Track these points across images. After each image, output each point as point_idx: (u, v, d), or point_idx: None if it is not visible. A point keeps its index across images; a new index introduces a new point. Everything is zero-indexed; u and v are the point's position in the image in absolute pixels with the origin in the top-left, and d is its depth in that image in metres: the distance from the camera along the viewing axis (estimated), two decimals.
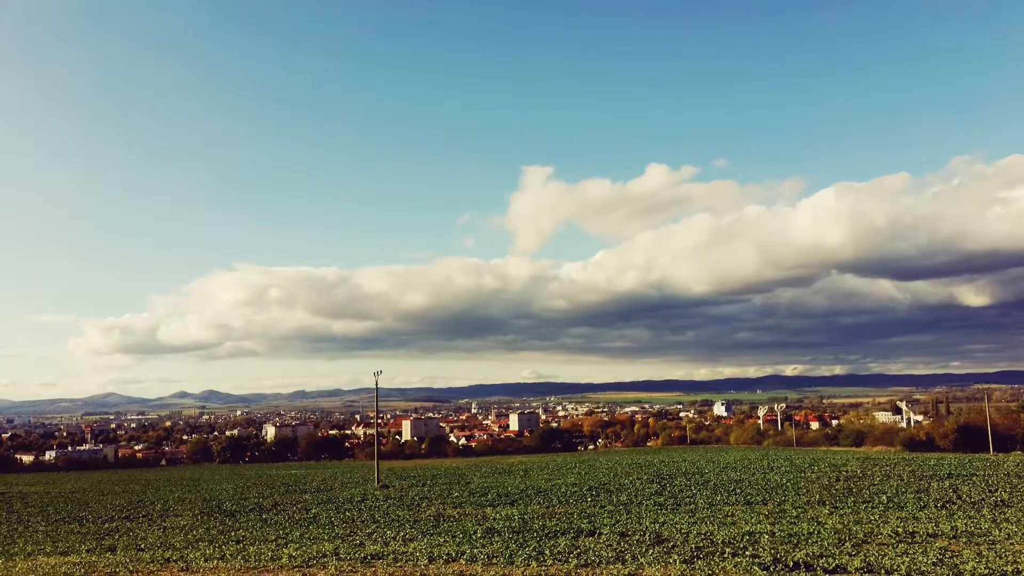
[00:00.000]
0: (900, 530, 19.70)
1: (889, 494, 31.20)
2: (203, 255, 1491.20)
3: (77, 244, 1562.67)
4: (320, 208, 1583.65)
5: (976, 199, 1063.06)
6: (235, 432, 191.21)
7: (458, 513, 30.07)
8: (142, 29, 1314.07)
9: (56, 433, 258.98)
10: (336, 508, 34.86)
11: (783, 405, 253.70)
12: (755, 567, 14.58)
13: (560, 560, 16.34)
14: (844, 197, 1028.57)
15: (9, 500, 49.79)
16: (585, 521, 24.50)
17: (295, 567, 16.17)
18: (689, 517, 25.43)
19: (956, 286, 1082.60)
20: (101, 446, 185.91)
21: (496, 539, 20.32)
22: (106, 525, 31.80)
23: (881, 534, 19.32)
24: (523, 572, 14.67)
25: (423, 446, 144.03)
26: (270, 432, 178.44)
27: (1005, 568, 14.21)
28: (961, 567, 14.33)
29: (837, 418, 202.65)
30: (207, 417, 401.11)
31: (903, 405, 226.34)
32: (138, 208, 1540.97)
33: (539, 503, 32.97)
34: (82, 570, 17.46)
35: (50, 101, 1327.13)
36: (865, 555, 15.92)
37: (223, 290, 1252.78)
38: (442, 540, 20.00)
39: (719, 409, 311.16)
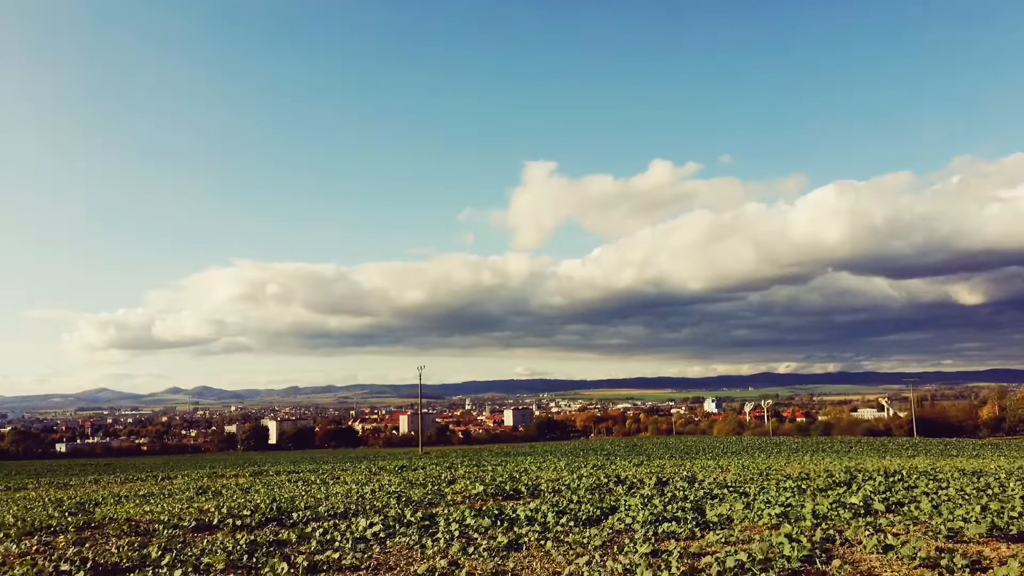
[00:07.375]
0: (751, 464, 31.29)
1: (782, 451, 43.51)
2: (200, 250, 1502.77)
3: (73, 239, 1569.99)
4: (320, 204, 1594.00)
5: (976, 197, 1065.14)
6: (234, 427, 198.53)
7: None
8: (141, 26, 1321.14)
9: (55, 427, 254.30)
10: (407, 464, 46.30)
11: (770, 402, 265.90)
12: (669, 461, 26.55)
13: (568, 462, 28.19)
14: (844, 195, 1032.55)
15: (104, 469, 59.12)
16: (580, 460, 36.37)
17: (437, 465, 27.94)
18: (646, 458, 37.30)
19: (951, 284, 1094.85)
20: (108, 439, 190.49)
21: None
22: (252, 468, 42.18)
23: (746, 467, 30.89)
24: (551, 462, 26.34)
25: (430, 435, 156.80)
26: (271, 427, 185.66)
27: (787, 484, 25.71)
28: (773, 481, 26.00)
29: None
30: (201, 413, 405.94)
31: (885, 402, 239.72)
32: (135, 203, 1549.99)
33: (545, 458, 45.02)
34: (316, 466, 28.60)
35: (48, 97, 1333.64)
36: (720, 468, 27.69)
37: (219, 285, 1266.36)
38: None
39: (709, 406, 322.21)
